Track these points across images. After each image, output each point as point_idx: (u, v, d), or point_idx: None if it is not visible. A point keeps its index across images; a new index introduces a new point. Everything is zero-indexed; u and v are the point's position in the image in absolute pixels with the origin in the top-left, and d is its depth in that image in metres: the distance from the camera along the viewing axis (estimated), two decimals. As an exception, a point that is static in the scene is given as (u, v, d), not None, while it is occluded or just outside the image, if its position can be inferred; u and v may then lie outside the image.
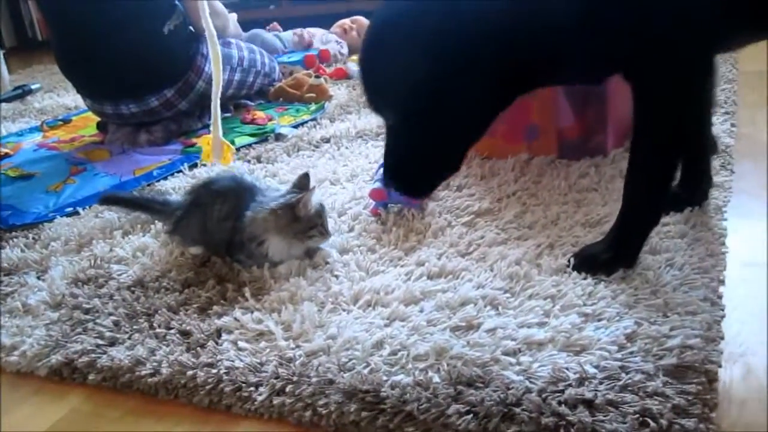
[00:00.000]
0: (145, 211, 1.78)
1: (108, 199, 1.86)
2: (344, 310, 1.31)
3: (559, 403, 1.02)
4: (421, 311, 1.28)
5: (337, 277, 1.43)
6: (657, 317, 1.19)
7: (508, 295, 1.30)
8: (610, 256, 1.34)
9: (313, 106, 2.68)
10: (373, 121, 2.33)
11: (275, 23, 3.60)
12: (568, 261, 1.37)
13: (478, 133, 1.32)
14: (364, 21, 3.49)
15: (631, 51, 1.21)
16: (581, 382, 1.06)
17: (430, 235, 1.55)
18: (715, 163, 1.75)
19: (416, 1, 1.22)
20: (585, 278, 1.32)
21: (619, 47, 1.21)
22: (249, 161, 2.17)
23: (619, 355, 1.10)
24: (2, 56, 3.64)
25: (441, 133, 1.26)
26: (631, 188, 1.32)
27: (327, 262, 1.48)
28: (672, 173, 1.29)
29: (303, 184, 1.52)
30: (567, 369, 1.09)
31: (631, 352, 1.11)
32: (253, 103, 2.73)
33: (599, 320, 1.20)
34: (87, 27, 2.33)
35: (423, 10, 1.21)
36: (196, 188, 1.64)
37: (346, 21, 3.61)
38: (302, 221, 1.47)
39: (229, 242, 1.51)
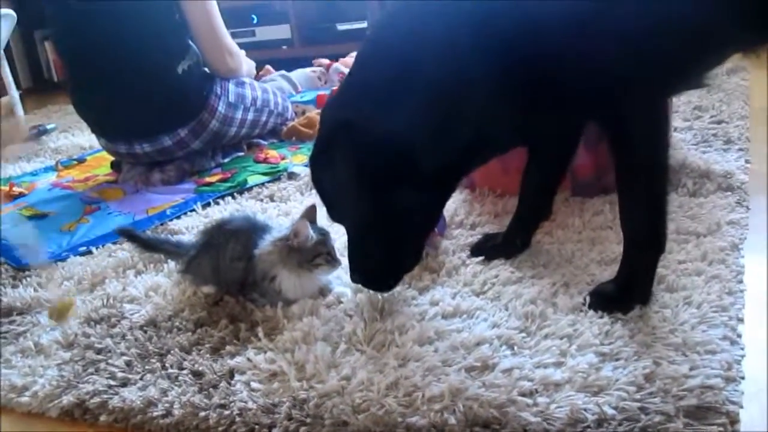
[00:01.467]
0: (158, 251, 1.78)
1: (125, 232, 1.86)
2: (358, 350, 1.30)
3: (578, 445, 1.01)
4: (436, 351, 1.26)
5: (350, 316, 1.42)
6: (676, 356, 1.17)
7: (523, 334, 1.29)
8: (623, 293, 1.34)
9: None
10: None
11: (268, 67, 3.53)
12: (584, 299, 1.36)
13: (429, 226, 1.42)
14: None
15: (594, 97, 1.24)
16: (600, 423, 1.04)
17: (444, 274, 1.54)
18: (730, 200, 1.74)
19: (339, 117, 1.28)
20: (602, 317, 1.30)
21: (583, 94, 1.24)
22: (262, 200, 2.17)
23: (638, 396, 1.09)
24: (18, 97, 3.69)
25: (393, 236, 1.33)
26: (627, 223, 1.33)
27: (341, 302, 1.47)
28: (662, 197, 1.30)
29: (310, 215, 1.52)
30: (585, 410, 1.07)
31: (650, 393, 1.09)
32: (266, 142, 2.75)
33: (617, 360, 1.18)
34: (102, 68, 2.36)
35: (350, 128, 1.25)
36: (209, 228, 1.64)
37: None
38: (305, 251, 1.46)
39: (242, 282, 1.50)
